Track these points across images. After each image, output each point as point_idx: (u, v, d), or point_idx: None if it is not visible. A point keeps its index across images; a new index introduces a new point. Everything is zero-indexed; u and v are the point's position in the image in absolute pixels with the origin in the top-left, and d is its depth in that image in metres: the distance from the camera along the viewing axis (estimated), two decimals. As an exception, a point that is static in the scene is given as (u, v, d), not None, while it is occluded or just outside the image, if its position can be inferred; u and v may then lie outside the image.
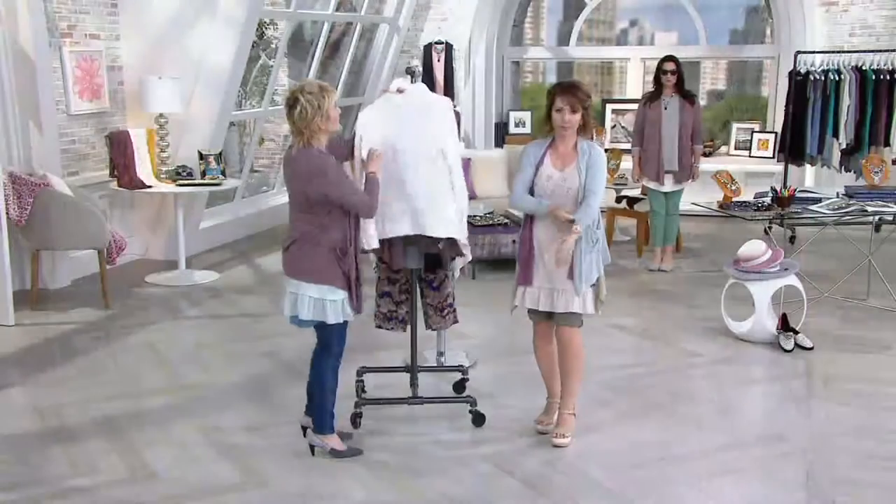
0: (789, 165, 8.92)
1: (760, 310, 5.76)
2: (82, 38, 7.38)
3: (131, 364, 5.50)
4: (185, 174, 7.48)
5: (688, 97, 7.45)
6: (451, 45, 10.60)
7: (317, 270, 3.99)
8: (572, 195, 4.18)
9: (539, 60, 12.04)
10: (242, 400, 4.93)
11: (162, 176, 7.51)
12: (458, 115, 4.47)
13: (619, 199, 8.80)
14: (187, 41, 7.69)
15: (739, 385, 5.25)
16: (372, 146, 4.23)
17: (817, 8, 9.89)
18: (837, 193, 6.87)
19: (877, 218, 7.03)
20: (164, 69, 7.56)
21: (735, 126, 10.73)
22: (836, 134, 8.60)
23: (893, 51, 8.53)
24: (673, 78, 7.37)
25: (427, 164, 4.31)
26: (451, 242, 4.50)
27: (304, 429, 4.36)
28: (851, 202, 6.57)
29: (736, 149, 10.60)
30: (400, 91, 4.38)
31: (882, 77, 8.37)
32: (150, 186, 7.38)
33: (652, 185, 7.56)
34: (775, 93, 10.26)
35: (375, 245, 4.33)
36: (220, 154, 7.70)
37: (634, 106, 10.54)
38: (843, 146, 8.60)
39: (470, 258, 4.68)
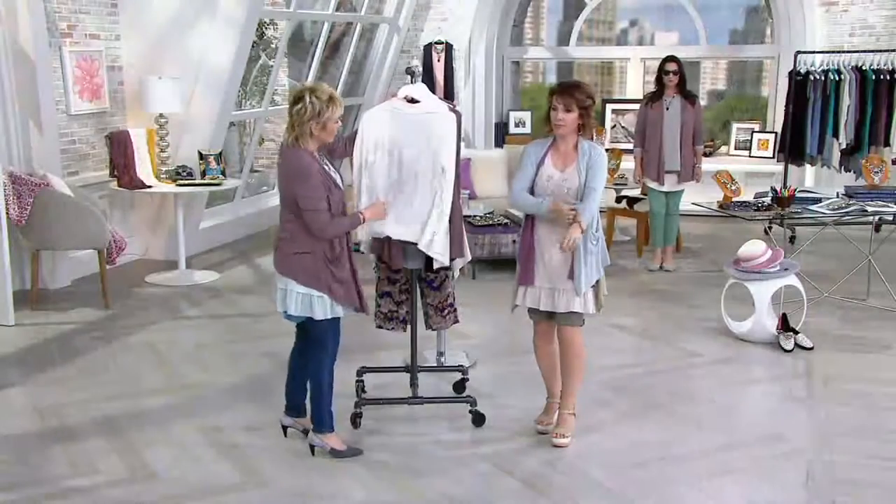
0: (789, 165, 8.92)
1: (760, 310, 5.76)
2: (82, 38, 7.38)
3: (131, 364, 5.51)
4: (185, 174, 7.48)
5: (689, 98, 7.46)
6: (451, 45, 10.60)
7: (302, 272, 4.00)
8: (572, 196, 4.18)
9: (539, 60, 12.04)
10: (242, 400, 4.93)
11: (162, 176, 7.51)
12: (458, 115, 4.44)
13: (619, 199, 8.80)
14: (187, 41, 7.69)
15: (739, 385, 5.25)
16: (376, 159, 4.25)
17: (817, 8, 9.89)
18: (837, 193, 6.87)
19: (877, 218, 7.04)
20: (164, 69, 7.57)
21: (735, 126, 10.73)
22: (836, 134, 8.60)
23: (893, 51, 8.53)
24: (675, 78, 7.38)
25: (427, 178, 4.31)
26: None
27: (285, 428, 4.38)
28: (851, 202, 6.57)
29: (736, 149, 10.60)
30: (413, 101, 4.36)
31: (882, 77, 8.37)
32: (150, 186, 7.38)
33: (653, 185, 7.56)
34: (775, 93, 10.26)
35: (365, 241, 4.34)
36: (220, 154, 7.70)
37: (634, 106, 10.58)
38: (843, 146, 8.60)
39: (470, 258, 4.68)
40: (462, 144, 4.44)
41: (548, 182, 4.21)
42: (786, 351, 5.67)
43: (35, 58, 6.67)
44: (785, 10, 10.05)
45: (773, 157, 10.01)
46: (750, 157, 10.36)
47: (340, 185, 4.08)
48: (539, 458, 4.21)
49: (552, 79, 12.58)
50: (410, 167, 4.32)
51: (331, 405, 4.20)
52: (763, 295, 5.75)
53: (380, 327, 4.87)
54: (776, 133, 9.99)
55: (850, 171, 8.70)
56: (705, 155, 9.38)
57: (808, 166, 9.23)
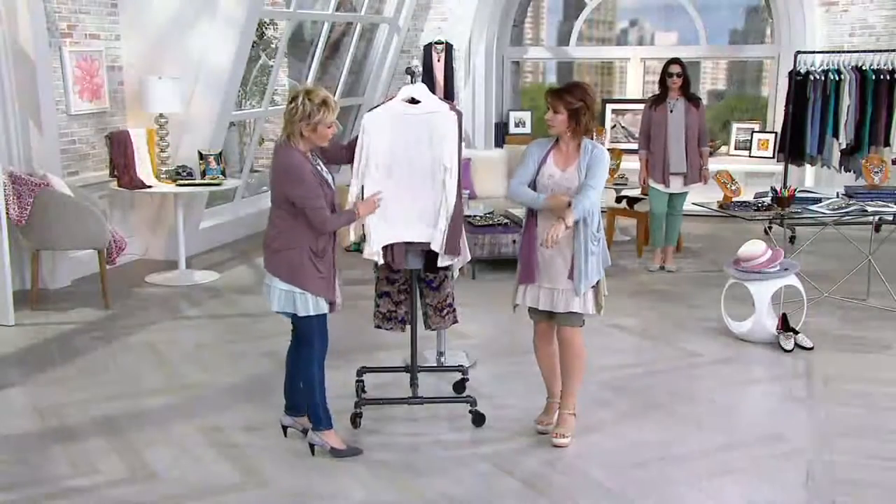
0: (789, 165, 8.92)
1: (760, 310, 5.76)
2: (82, 38, 7.38)
3: (131, 364, 5.51)
4: (185, 174, 7.48)
5: (693, 100, 7.49)
6: (451, 45, 10.60)
7: (286, 268, 4.02)
8: (572, 195, 4.17)
9: (539, 60, 12.04)
10: (242, 400, 4.93)
11: (162, 176, 7.51)
12: (459, 114, 4.44)
13: (619, 199, 8.80)
14: (187, 41, 7.69)
15: (739, 385, 5.25)
16: (377, 162, 4.26)
17: (817, 8, 9.89)
18: (837, 193, 6.87)
19: (877, 218, 7.03)
20: (164, 69, 7.57)
21: (735, 126, 10.73)
22: (836, 134, 8.60)
23: (893, 51, 8.53)
24: (679, 80, 7.41)
25: (430, 178, 4.32)
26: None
27: (285, 428, 4.39)
28: (851, 202, 6.57)
29: (736, 149, 10.60)
30: (414, 102, 4.37)
31: (882, 77, 8.37)
32: (150, 186, 7.38)
33: (658, 186, 7.57)
34: (775, 93, 10.26)
35: (377, 251, 4.34)
36: (220, 154, 7.70)
37: (634, 106, 10.65)
38: (843, 146, 8.60)
39: (470, 258, 4.68)
40: (462, 144, 4.44)
41: (549, 181, 4.21)
42: (786, 351, 5.67)
43: (35, 58, 6.67)
44: (785, 10, 10.05)
45: (773, 157, 10.01)
46: (750, 157, 10.36)
47: (332, 184, 4.11)
48: (539, 458, 4.21)
49: (552, 79, 12.58)
50: (413, 168, 4.33)
51: (325, 401, 4.20)
52: (763, 295, 5.75)
53: (378, 327, 4.87)
54: (776, 133, 10.00)
55: (850, 171, 8.70)
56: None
57: (808, 166, 9.23)
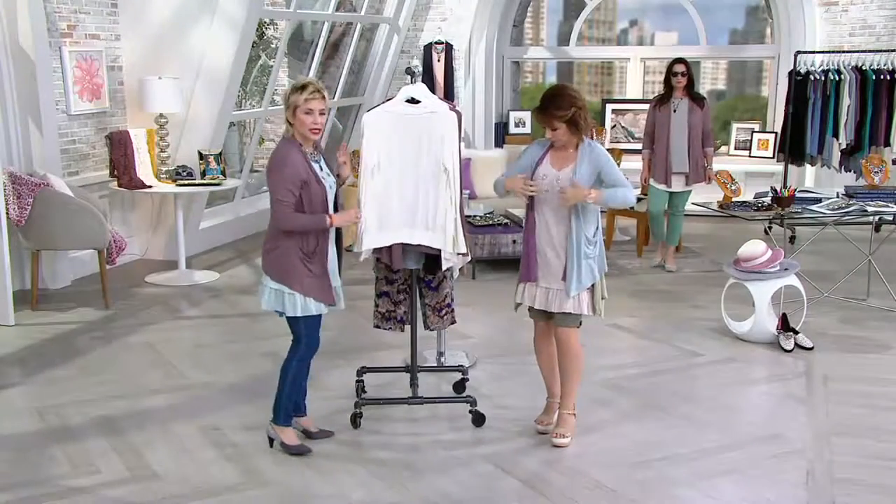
0: (789, 165, 8.93)
1: (760, 310, 5.75)
2: (82, 38, 7.38)
3: (131, 364, 5.51)
4: (185, 174, 7.48)
5: (697, 99, 7.49)
6: (451, 45, 10.60)
7: (276, 268, 4.03)
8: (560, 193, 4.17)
9: (539, 60, 12.04)
10: (242, 400, 4.93)
11: (162, 176, 7.51)
12: (459, 115, 4.45)
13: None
14: (187, 41, 7.70)
15: (739, 385, 5.25)
16: (376, 162, 4.27)
17: (817, 8, 9.89)
18: (837, 193, 6.87)
19: (877, 218, 7.03)
20: (164, 69, 7.57)
21: (735, 126, 10.73)
22: (836, 134, 8.60)
23: (893, 51, 8.53)
24: (683, 80, 7.43)
25: (431, 180, 4.32)
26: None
27: (305, 432, 4.40)
28: (851, 202, 6.57)
29: (736, 149, 10.59)
30: (414, 102, 4.37)
31: (882, 77, 8.37)
32: (150, 186, 7.38)
33: (660, 186, 7.57)
34: (775, 93, 10.26)
35: (367, 248, 4.34)
36: (220, 154, 7.70)
37: (634, 106, 10.65)
38: (843, 146, 8.60)
39: (470, 258, 4.68)
40: (462, 145, 4.45)
41: (542, 180, 4.21)
42: (786, 351, 5.67)
43: (35, 58, 6.67)
44: (785, 10, 10.05)
45: (773, 157, 10.01)
46: (750, 157, 10.36)
47: (324, 181, 4.04)
48: (539, 458, 4.21)
49: (552, 79, 12.58)
50: (413, 168, 4.33)
51: (289, 401, 4.21)
52: (763, 295, 5.75)
53: (377, 327, 4.87)
54: (776, 133, 9.99)
55: (850, 171, 8.70)
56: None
57: (808, 166, 9.23)
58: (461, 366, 5.15)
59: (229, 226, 8.95)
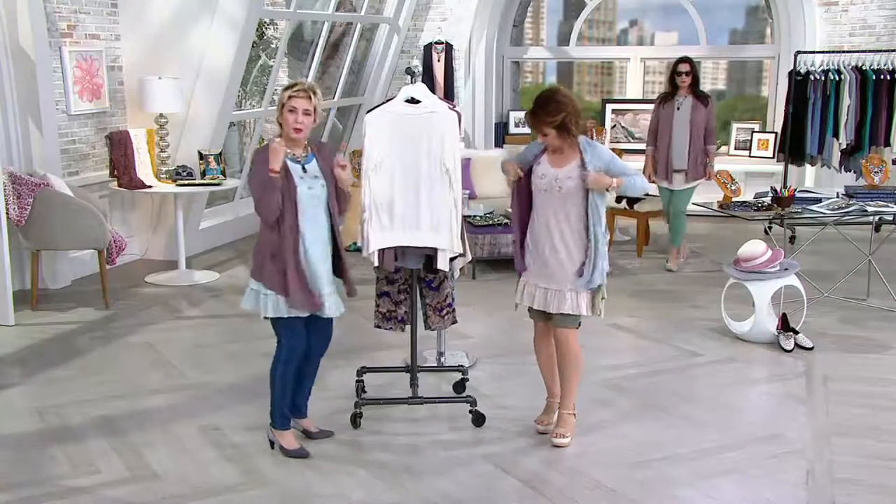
0: (789, 165, 8.93)
1: (760, 310, 5.75)
2: (82, 38, 7.38)
3: (131, 364, 5.51)
4: (185, 174, 7.48)
5: (701, 98, 7.52)
6: (451, 45, 10.60)
7: (255, 268, 4.06)
8: (563, 195, 4.17)
9: (539, 60, 12.04)
10: (242, 400, 4.93)
11: (162, 176, 7.51)
12: (459, 115, 4.45)
13: (619, 199, 8.79)
14: (187, 41, 7.70)
15: (739, 385, 5.24)
16: (377, 162, 4.28)
17: (817, 8, 9.89)
18: (837, 193, 6.87)
19: (877, 218, 7.03)
20: (164, 69, 7.57)
21: (735, 126, 10.73)
22: (836, 134, 8.61)
23: (893, 51, 8.53)
24: (687, 79, 7.48)
25: (432, 180, 4.33)
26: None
27: (305, 432, 4.40)
28: (851, 202, 6.57)
29: (736, 149, 10.59)
30: (415, 102, 4.37)
31: (882, 77, 8.38)
32: (150, 186, 7.38)
33: (662, 183, 7.62)
34: (775, 93, 10.25)
35: (373, 250, 4.34)
36: (220, 154, 7.70)
37: (634, 106, 10.66)
38: (843, 146, 8.60)
39: (470, 258, 4.68)
40: (461, 144, 4.45)
41: (541, 180, 4.22)
42: (786, 351, 5.67)
43: (35, 58, 6.67)
44: (785, 10, 10.05)
45: (773, 157, 10.01)
46: (750, 157, 10.35)
47: (298, 181, 3.96)
48: (539, 458, 4.21)
49: (552, 79, 12.58)
50: (413, 168, 4.33)
51: (282, 404, 4.19)
52: (763, 295, 5.75)
53: (378, 327, 4.87)
54: (776, 133, 9.99)
55: (850, 171, 8.70)
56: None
57: (808, 166, 9.23)
58: (461, 366, 5.15)
59: (229, 226, 8.95)
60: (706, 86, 9.81)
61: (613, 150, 8.96)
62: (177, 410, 4.79)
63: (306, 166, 4.04)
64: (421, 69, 4.71)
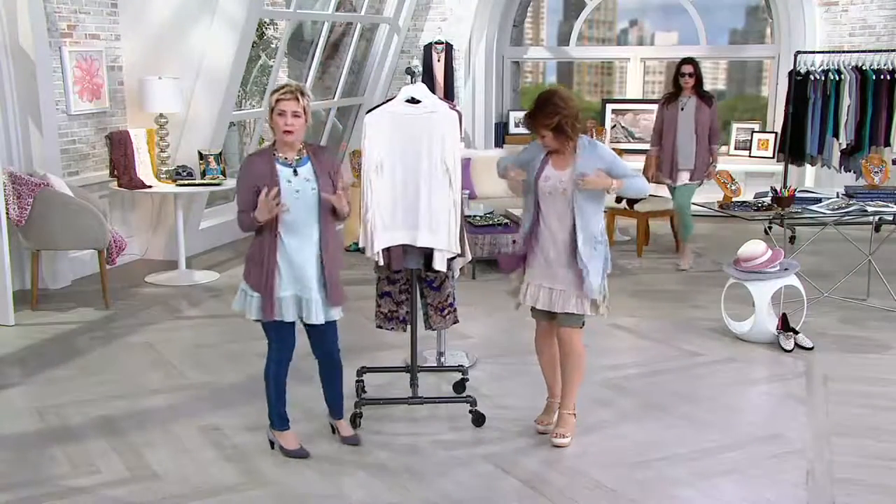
0: (789, 165, 8.92)
1: (760, 310, 5.75)
2: (82, 38, 7.38)
3: (131, 364, 5.51)
4: (185, 174, 7.48)
5: (705, 98, 7.56)
6: (451, 45, 10.60)
7: (244, 267, 4.12)
8: (567, 197, 4.17)
9: (539, 60, 12.04)
10: (242, 400, 4.93)
11: (162, 176, 7.51)
12: (459, 115, 4.45)
13: (619, 199, 8.79)
14: (187, 41, 7.70)
15: (739, 385, 5.24)
16: (377, 162, 4.29)
17: (817, 8, 9.89)
18: (837, 193, 6.87)
19: (877, 218, 7.03)
20: (164, 69, 7.57)
21: (735, 126, 10.73)
22: (836, 134, 8.61)
23: (893, 51, 8.53)
24: (691, 80, 7.54)
25: (432, 180, 4.33)
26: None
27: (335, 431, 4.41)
28: (851, 202, 6.57)
29: (736, 149, 10.59)
30: (415, 102, 4.37)
31: (882, 77, 8.38)
32: (150, 186, 7.38)
33: (666, 181, 7.68)
34: (775, 93, 10.25)
35: (376, 251, 4.34)
36: (220, 154, 7.70)
37: (634, 106, 10.66)
38: (843, 146, 8.60)
39: (470, 258, 4.68)
40: (461, 144, 4.45)
41: (545, 182, 4.21)
42: (786, 351, 5.67)
43: (35, 58, 6.67)
44: (785, 10, 10.05)
45: (773, 157, 10.01)
46: (750, 157, 10.35)
47: (286, 186, 3.91)
48: (539, 458, 4.21)
49: (552, 79, 12.58)
50: (413, 168, 4.33)
51: (277, 405, 4.20)
52: (763, 295, 5.75)
53: (380, 327, 4.87)
54: (776, 133, 9.99)
55: (850, 171, 8.70)
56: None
57: (808, 166, 9.23)
58: (461, 366, 5.15)
59: (229, 226, 8.92)
60: (706, 86, 9.82)
61: (614, 150, 9.02)
62: (177, 410, 4.79)
63: (298, 169, 3.98)
64: (421, 69, 4.71)
